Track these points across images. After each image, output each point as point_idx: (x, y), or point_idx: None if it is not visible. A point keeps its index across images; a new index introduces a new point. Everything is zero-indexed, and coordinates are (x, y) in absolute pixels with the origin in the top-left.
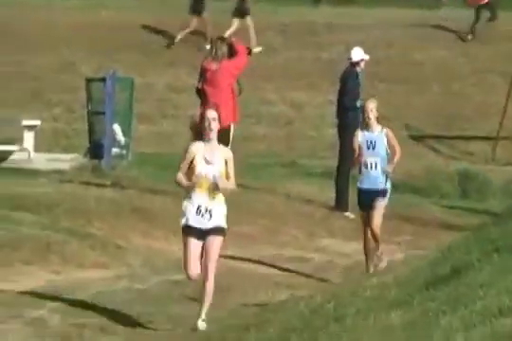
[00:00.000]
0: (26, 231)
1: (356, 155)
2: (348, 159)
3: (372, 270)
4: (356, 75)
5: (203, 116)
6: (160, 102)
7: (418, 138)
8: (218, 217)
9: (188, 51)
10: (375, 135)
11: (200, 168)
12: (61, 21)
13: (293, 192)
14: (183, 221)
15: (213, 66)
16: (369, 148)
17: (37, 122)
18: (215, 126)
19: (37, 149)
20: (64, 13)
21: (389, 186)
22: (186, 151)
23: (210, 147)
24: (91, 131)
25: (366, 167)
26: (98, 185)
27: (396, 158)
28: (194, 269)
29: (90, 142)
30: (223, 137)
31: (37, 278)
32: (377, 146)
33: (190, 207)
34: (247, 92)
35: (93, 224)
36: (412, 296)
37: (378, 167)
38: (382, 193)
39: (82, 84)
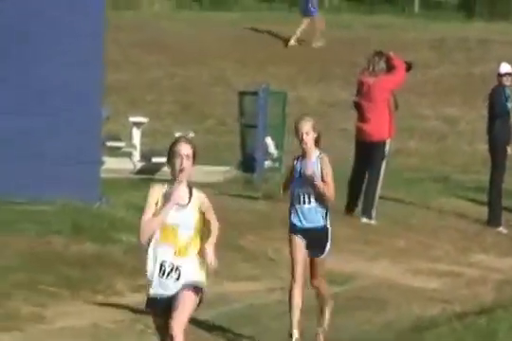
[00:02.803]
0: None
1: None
2: (500, 174)
3: None
4: (504, 90)
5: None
6: (311, 116)
7: None
8: (191, 274)
9: (339, 65)
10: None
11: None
12: (212, 34)
13: (446, 207)
14: (148, 291)
15: (370, 81)
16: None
17: (191, 134)
18: (188, 165)
19: None
20: (216, 27)
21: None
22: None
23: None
24: (243, 144)
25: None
26: (250, 197)
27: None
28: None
29: (242, 155)
30: (377, 152)
31: None
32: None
33: (152, 267)
34: (401, 106)
35: (245, 237)
36: None
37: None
38: None
39: (233, 98)
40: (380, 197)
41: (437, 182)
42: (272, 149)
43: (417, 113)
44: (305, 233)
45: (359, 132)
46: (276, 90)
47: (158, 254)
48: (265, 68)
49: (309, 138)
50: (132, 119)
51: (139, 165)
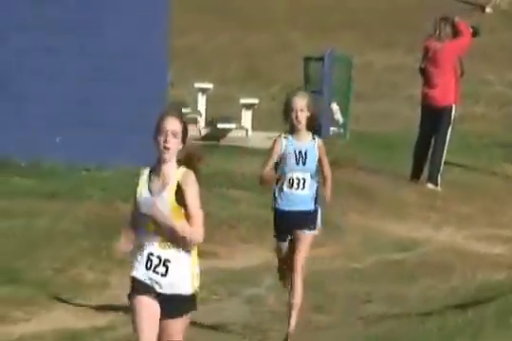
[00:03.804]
0: (243, 209)
1: (268, 169)
2: None
3: None
4: None
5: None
6: (377, 82)
7: None
8: (179, 276)
9: (404, 31)
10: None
11: (142, 207)
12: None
13: (511, 173)
14: (132, 271)
15: (437, 46)
16: (298, 162)
17: (255, 101)
18: (174, 143)
19: (255, 127)
20: None
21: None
22: None
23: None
24: None
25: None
26: None
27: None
28: None
29: None
30: (443, 118)
31: (254, 256)
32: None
33: (138, 256)
34: (466, 72)
35: None
36: None
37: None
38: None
39: (299, 63)
40: (445, 163)
41: (502, 147)
42: (338, 114)
43: (482, 78)
44: (293, 216)
45: (426, 97)
46: (341, 55)
47: (144, 246)
48: (331, 34)
49: (303, 116)
50: (197, 85)
51: (204, 131)
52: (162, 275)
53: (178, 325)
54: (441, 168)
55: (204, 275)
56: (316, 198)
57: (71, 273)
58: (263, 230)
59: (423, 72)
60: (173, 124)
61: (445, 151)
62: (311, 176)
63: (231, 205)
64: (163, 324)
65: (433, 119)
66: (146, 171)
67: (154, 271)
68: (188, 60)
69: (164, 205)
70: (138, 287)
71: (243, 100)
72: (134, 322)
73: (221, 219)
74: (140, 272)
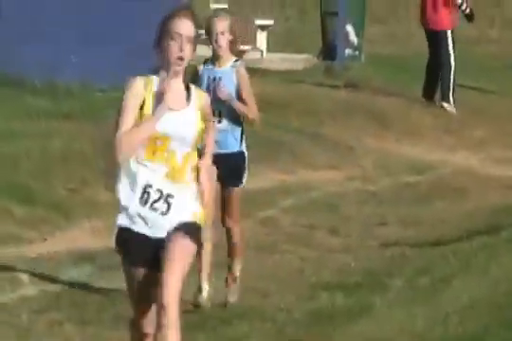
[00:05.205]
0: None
1: None
2: None
3: None
4: None
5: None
6: (393, 3)
7: None
8: (186, 208)
9: None
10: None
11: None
12: None
13: None
14: (118, 220)
15: None
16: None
17: (270, 22)
18: (189, 51)
19: (270, 49)
20: None
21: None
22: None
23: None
24: (324, 32)
25: None
26: (330, 86)
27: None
28: (148, 323)
29: (323, 43)
30: (440, 41)
31: (268, 178)
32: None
33: (128, 192)
34: None
35: (325, 125)
36: None
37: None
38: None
39: None
40: (460, 86)
41: None
42: (353, 36)
43: (497, 0)
44: (218, 161)
45: (421, 21)
46: None
47: (140, 176)
48: None
49: (224, 39)
50: (213, 6)
51: None
52: (162, 213)
53: (183, 254)
54: (451, 87)
55: None
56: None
57: (86, 193)
58: (276, 152)
59: None
60: (188, 28)
61: (451, 71)
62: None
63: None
64: (167, 249)
65: (432, 43)
66: (155, 81)
67: (151, 207)
68: None
69: (189, 126)
70: (130, 244)
71: (258, 22)
72: (128, 290)
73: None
74: (132, 208)
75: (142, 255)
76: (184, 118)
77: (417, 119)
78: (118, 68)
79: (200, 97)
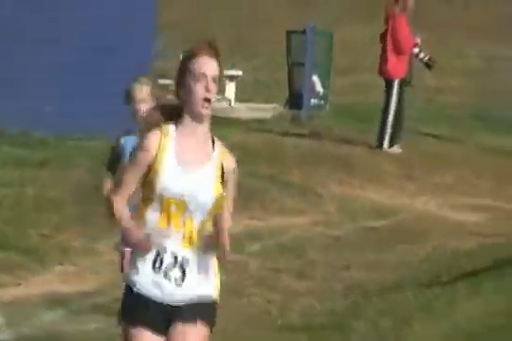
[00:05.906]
0: None
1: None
2: None
3: None
4: None
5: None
6: (358, 55)
7: None
8: (203, 285)
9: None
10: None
11: (169, 184)
12: None
13: (487, 144)
14: (129, 278)
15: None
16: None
17: (239, 72)
18: (215, 91)
19: (238, 98)
20: None
21: None
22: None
23: (193, 139)
24: (291, 82)
25: None
26: (297, 134)
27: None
28: None
29: (290, 93)
30: (388, 89)
31: (239, 224)
32: None
33: (139, 259)
34: (443, 44)
35: (292, 172)
36: None
37: None
38: None
39: (282, 37)
40: (422, 133)
41: (478, 119)
42: (319, 87)
43: (459, 51)
44: None
45: (378, 70)
46: (322, 30)
47: (152, 236)
48: (311, 10)
49: (146, 108)
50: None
51: None
52: (176, 282)
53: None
54: (387, 132)
55: None
56: None
57: (58, 239)
58: (246, 199)
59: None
60: (214, 67)
61: (389, 119)
62: None
63: None
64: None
65: (386, 91)
66: (172, 130)
67: (165, 275)
68: (174, 32)
69: (207, 191)
70: (138, 310)
71: (226, 72)
72: None
73: None
74: (142, 277)
75: (152, 320)
76: (203, 173)
77: (380, 166)
78: (93, 118)
79: (223, 152)
